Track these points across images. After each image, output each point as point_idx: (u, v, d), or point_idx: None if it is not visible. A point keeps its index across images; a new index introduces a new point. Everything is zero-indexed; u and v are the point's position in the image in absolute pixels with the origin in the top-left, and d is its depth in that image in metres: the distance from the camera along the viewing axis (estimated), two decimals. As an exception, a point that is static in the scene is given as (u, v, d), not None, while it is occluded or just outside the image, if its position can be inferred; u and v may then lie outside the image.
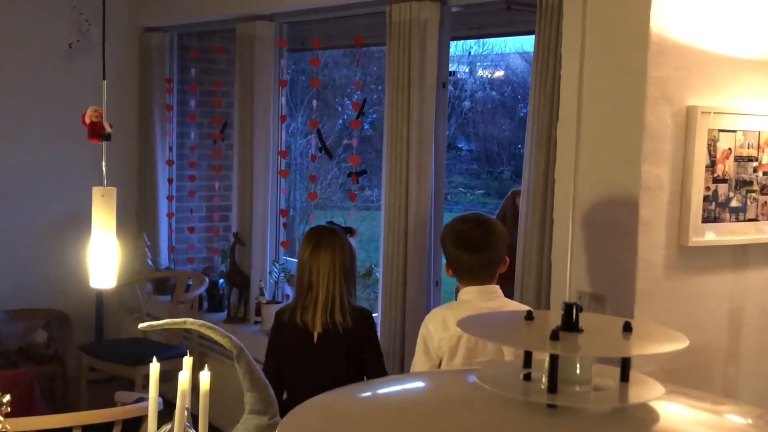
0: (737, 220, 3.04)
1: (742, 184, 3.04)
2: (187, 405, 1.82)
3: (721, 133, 2.96)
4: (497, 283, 2.82)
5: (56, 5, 5.69)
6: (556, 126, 3.20)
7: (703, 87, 2.93)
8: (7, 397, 2.18)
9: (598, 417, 1.24)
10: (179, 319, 2.14)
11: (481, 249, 2.77)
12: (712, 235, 2.99)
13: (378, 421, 1.29)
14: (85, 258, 2.37)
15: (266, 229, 5.17)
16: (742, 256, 3.11)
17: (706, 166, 2.94)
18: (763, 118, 3.06)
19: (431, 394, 1.45)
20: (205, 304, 5.62)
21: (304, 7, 4.82)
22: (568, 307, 1.29)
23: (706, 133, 2.92)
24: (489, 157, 14.41)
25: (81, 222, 3.66)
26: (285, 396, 3.19)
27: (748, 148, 3.04)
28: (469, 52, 13.49)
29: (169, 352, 4.85)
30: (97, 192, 2.30)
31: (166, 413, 1.98)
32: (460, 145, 14.34)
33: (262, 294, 5.11)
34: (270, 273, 5.17)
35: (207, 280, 5.57)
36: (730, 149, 2.99)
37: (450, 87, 4.47)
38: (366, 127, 9.12)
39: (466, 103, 14.06)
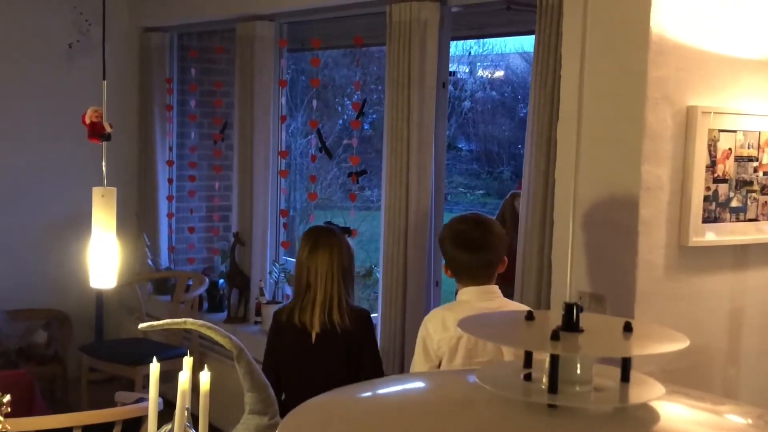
0: (737, 220, 3.04)
1: (743, 184, 3.04)
2: (188, 405, 1.82)
3: (721, 133, 2.96)
4: (496, 284, 2.82)
5: (56, 5, 5.69)
6: (556, 126, 3.20)
7: (703, 87, 2.93)
8: (7, 398, 2.18)
9: (599, 417, 1.24)
10: (179, 320, 2.14)
11: (479, 249, 2.76)
12: (712, 236, 2.99)
13: (378, 422, 1.29)
14: (85, 258, 2.37)
15: (266, 230, 5.17)
16: (742, 256, 3.11)
17: (707, 166, 2.94)
18: (764, 118, 3.06)
19: (431, 394, 1.45)
20: (205, 305, 5.62)
21: (304, 7, 4.82)
22: (568, 307, 1.29)
23: (706, 133, 2.92)
24: (489, 157, 14.42)
25: (81, 222, 3.66)
26: (283, 396, 3.19)
27: (749, 148, 3.04)
28: (469, 52, 13.49)
29: (169, 352, 4.84)
30: (97, 192, 2.30)
31: (166, 413, 1.98)
32: (460, 146, 14.34)
33: (262, 294, 5.11)
34: (270, 273, 5.17)
35: (207, 280, 5.57)
36: (730, 149, 2.99)
37: (450, 87, 4.47)
38: (366, 127, 9.12)
39: (466, 103, 14.06)
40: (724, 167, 2.98)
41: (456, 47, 11.40)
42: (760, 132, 3.06)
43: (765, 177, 3.09)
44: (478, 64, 14.21)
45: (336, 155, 9.00)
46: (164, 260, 6.02)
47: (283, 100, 5.29)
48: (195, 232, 6.14)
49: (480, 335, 1.69)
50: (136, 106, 6.10)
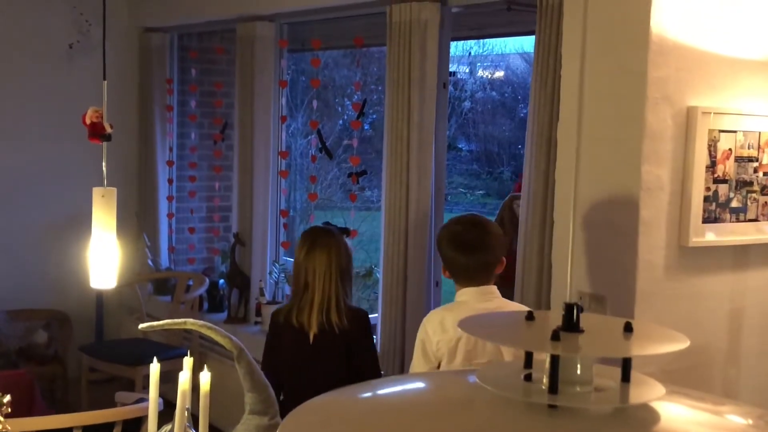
0: (737, 220, 3.04)
1: (743, 185, 3.04)
2: (188, 405, 1.82)
3: (721, 134, 2.96)
4: (495, 284, 2.82)
5: (56, 5, 5.69)
6: (557, 126, 3.20)
7: (703, 87, 2.93)
8: (7, 398, 2.18)
9: (599, 417, 1.24)
10: (179, 320, 2.14)
11: (477, 250, 2.76)
12: (712, 236, 2.99)
13: (378, 422, 1.29)
14: (85, 258, 2.37)
15: (266, 230, 5.17)
16: (742, 256, 3.11)
17: (707, 167, 2.94)
18: (764, 119, 3.06)
19: (432, 394, 1.45)
20: (206, 305, 5.62)
21: (305, 7, 4.82)
22: (569, 308, 1.29)
23: (706, 133, 2.92)
24: (489, 157, 14.42)
25: (81, 222, 3.66)
26: (282, 397, 3.19)
27: (749, 148, 3.04)
28: (470, 53, 13.50)
29: (170, 352, 4.84)
30: (97, 192, 2.30)
31: (166, 414, 1.98)
32: (460, 146, 14.35)
33: (262, 294, 5.11)
34: (270, 273, 5.17)
35: (207, 280, 5.57)
36: (730, 150, 2.99)
37: (450, 87, 4.47)
38: (366, 127, 9.12)
39: (467, 104, 14.07)
40: (725, 167, 2.98)
41: (456, 47, 11.40)
42: (760, 132, 3.06)
43: (765, 177, 3.09)
44: (479, 64, 14.22)
45: (336, 155, 9.00)
46: (164, 260, 6.02)
47: (284, 100, 5.29)
48: (195, 232, 6.14)
49: (480, 335, 1.69)
50: (137, 106, 6.10)
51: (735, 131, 2.99)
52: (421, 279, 3.98)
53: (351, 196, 5.01)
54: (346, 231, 3.34)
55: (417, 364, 2.79)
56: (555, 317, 1.32)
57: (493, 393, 1.25)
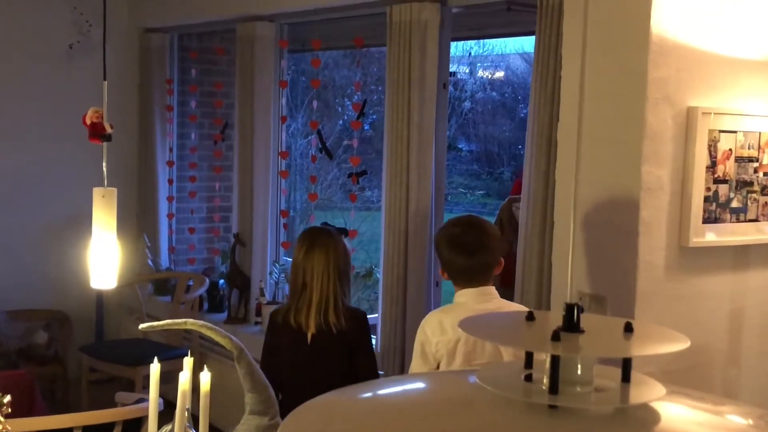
0: (738, 220, 3.04)
1: (743, 185, 3.04)
2: (188, 406, 1.82)
3: (721, 134, 2.96)
4: (493, 285, 2.81)
5: (56, 5, 5.69)
6: (557, 127, 3.20)
7: (703, 88, 2.93)
8: (7, 398, 2.18)
9: (600, 418, 1.24)
10: (180, 320, 2.14)
11: (475, 252, 2.76)
12: (712, 236, 2.99)
13: (379, 422, 1.29)
14: (85, 258, 2.37)
15: (266, 230, 5.17)
16: (742, 256, 3.11)
17: (707, 167, 2.94)
18: (764, 119, 3.06)
19: (432, 394, 1.45)
20: (206, 305, 5.62)
21: (305, 7, 4.82)
22: (569, 308, 1.29)
23: (706, 133, 2.92)
24: (489, 157, 14.43)
25: (81, 222, 3.66)
26: (280, 397, 3.19)
27: (749, 148, 3.04)
28: (470, 53, 13.51)
29: (170, 352, 4.84)
30: (97, 192, 2.30)
31: (166, 414, 1.98)
32: (460, 146, 14.35)
33: (262, 294, 5.11)
34: (270, 273, 5.18)
35: (207, 280, 5.57)
36: (730, 150, 2.99)
37: (450, 88, 4.47)
38: (366, 127, 9.13)
39: (467, 104, 14.07)
40: (725, 168, 2.98)
41: (456, 48, 11.41)
42: (760, 133, 3.06)
43: (765, 177, 3.09)
44: (479, 64, 14.23)
45: (336, 156, 9.01)
46: (164, 261, 6.02)
47: (284, 100, 5.29)
48: (195, 232, 6.14)
49: (481, 336, 1.69)
50: (137, 106, 6.10)
51: (735, 131, 2.99)
52: (421, 279, 3.98)
53: (351, 196, 5.02)
54: (344, 231, 3.34)
55: (416, 365, 2.79)
56: (555, 317, 1.32)
57: (493, 393, 1.25)
